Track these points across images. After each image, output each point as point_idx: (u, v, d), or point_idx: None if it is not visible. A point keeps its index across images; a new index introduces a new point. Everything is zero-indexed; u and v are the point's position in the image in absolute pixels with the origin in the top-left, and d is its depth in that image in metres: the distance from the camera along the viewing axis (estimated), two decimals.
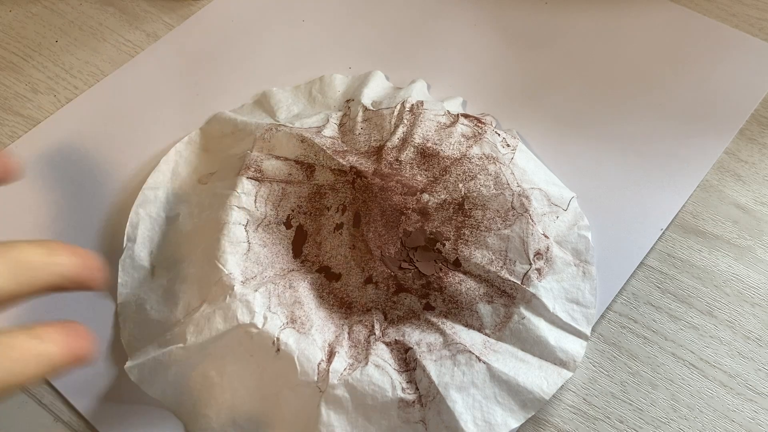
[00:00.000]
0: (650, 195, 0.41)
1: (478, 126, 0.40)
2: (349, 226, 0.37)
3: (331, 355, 0.33)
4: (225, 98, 0.46)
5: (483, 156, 0.38)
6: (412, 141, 0.39)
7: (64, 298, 0.38)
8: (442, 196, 0.37)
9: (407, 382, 0.33)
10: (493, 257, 0.36)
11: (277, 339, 0.33)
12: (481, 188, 0.37)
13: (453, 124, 0.40)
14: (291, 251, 0.37)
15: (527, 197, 0.37)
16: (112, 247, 0.39)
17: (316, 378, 0.33)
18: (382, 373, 0.33)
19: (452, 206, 0.37)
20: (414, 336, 0.34)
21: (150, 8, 0.51)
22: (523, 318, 0.35)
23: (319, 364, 0.33)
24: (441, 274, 0.35)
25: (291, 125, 0.41)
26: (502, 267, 0.35)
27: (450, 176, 0.37)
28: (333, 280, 0.37)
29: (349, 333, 0.35)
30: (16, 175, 0.25)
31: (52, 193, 0.42)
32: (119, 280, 0.38)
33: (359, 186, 0.38)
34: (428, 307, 0.35)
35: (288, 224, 0.38)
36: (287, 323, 0.34)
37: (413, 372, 0.33)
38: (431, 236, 0.36)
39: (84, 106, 0.46)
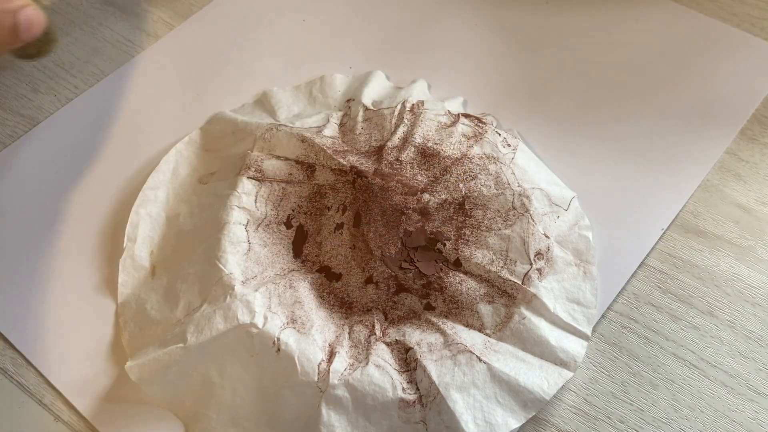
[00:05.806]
0: (651, 195, 0.41)
1: (479, 126, 0.40)
2: (350, 226, 0.37)
3: (331, 355, 0.33)
4: (225, 98, 0.46)
5: (484, 156, 0.38)
6: (413, 141, 0.38)
7: (64, 298, 0.38)
8: (443, 196, 0.37)
9: (408, 382, 0.33)
10: (494, 257, 0.36)
11: (278, 339, 0.33)
12: (482, 188, 0.37)
13: (453, 123, 0.40)
14: (291, 251, 0.37)
15: (528, 197, 0.37)
16: (112, 247, 0.39)
17: (316, 378, 0.33)
18: (383, 373, 0.33)
19: (453, 206, 0.37)
20: (414, 336, 0.34)
21: (150, 8, 0.51)
22: (524, 318, 0.35)
23: (320, 364, 0.33)
24: (441, 274, 0.35)
25: (291, 125, 0.41)
26: (502, 267, 0.35)
27: (450, 176, 0.37)
28: (333, 280, 0.37)
29: (349, 333, 0.35)
30: (38, 27, 0.32)
31: (52, 192, 0.42)
32: (119, 280, 0.38)
33: (360, 186, 0.37)
34: (429, 307, 0.35)
35: (288, 224, 0.38)
36: (287, 323, 0.34)
37: (414, 372, 0.33)
38: (432, 236, 0.36)
39: (84, 106, 0.46)
